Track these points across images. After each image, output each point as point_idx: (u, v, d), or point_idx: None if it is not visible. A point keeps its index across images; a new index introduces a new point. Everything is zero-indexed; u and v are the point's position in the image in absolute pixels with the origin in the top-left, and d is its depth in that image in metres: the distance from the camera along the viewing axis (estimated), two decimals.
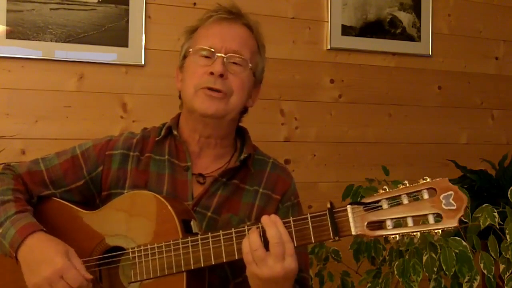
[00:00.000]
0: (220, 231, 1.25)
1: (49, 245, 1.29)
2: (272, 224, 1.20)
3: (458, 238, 1.71)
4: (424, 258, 1.73)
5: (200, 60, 1.41)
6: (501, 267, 1.75)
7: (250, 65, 1.42)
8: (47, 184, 1.45)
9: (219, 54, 1.39)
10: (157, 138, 1.47)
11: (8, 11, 2.23)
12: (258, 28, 1.48)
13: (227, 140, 1.48)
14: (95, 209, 1.42)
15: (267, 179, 1.47)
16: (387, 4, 2.82)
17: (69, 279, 1.26)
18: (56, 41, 2.30)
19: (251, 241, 1.19)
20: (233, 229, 1.24)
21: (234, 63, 1.40)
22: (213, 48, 1.39)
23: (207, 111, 1.38)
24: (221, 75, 1.37)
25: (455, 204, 1.10)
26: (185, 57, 1.46)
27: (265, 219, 1.21)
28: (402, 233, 1.12)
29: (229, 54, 1.39)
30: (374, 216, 1.14)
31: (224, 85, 1.38)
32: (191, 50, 1.43)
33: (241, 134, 1.52)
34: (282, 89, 2.63)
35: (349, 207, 1.17)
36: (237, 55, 1.40)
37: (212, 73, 1.37)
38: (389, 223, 1.13)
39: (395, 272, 1.75)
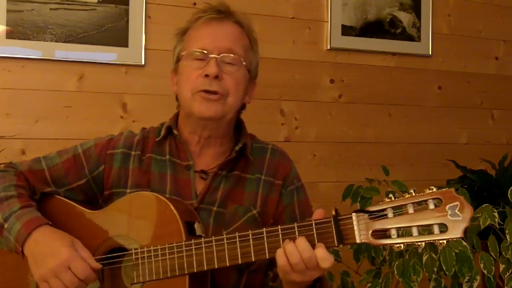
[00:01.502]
0: (224, 234, 1.25)
1: (54, 237, 1.29)
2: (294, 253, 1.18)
3: None
4: (424, 258, 1.73)
5: (193, 63, 1.40)
6: (501, 267, 1.75)
7: (244, 62, 1.42)
8: (48, 182, 1.46)
9: (212, 55, 1.38)
10: (157, 139, 1.47)
11: (8, 11, 2.23)
12: (249, 24, 1.48)
13: (227, 138, 1.48)
14: (98, 208, 1.42)
15: (268, 166, 1.48)
16: (387, 4, 2.82)
17: (75, 270, 1.26)
18: (56, 41, 2.29)
19: (288, 253, 1.17)
20: (237, 233, 1.24)
21: (228, 63, 1.40)
22: (206, 50, 1.39)
23: (205, 114, 1.38)
24: (216, 77, 1.37)
25: (460, 215, 1.10)
26: (178, 60, 1.46)
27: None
28: (406, 242, 1.12)
29: (222, 54, 1.39)
30: (379, 225, 1.14)
31: (220, 86, 1.38)
32: (183, 53, 1.43)
33: (238, 126, 1.52)
34: (282, 89, 2.62)
35: (354, 215, 1.16)
36: (230, 54, 1.40)
37: (207, 75, 1.37)
38: (393, 232, 1.13)
39: (395, 272, 1.75)
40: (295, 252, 1.16)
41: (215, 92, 1.38)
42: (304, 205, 1.49)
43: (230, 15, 1.45)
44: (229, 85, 1.39)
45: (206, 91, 1.37)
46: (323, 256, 1.16)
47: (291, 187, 1.48)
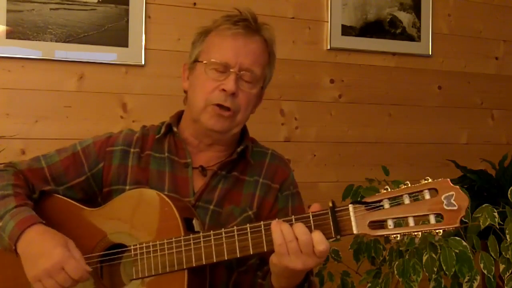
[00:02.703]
0: (222, 229, 1.26)
1: (47, 237, 1.29)
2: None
3: (458, 238, 1.71)
4: (424, 258, 1.73)
5: (211, 73, 1.41)
6: (501, 267, 1.75)
7: (260, 82, 1.45)
8: (48, 180, 1.46)
9: (232, 70, 1.39)
10: (157, 136, 1.49)
11: (8, 11, 2.23)
12: (272, 37, 1.48)
13: (229, 144, 1.49)
14: (97, 206, 1.43)
15: (267, 169, 1.50)
16: (387, 4, 2.82)
17: (69, 270, 1.26)
18: (56, 41, 2.30)
19: (285, 233, 1.18)
20: (235, 227, 1.25)
21: (245, 80, 1.41)
22: (227, 64, 1.40)
23: (213, 128, 1.41)
24: (233, 94, 1.39)
25: (456, 205, 1.11)
26: (195, 60, 1.46)
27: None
28: (403, 232, 1.13)
29: (242, 72, 1.40)
30: (376, 216, 1.15)
31: (234, 103, 1.40)
32: (204, 61, 1.42)
33: (241, 130, 1.53)
34: (282, 89, 2.63)
35: (351, 206, 1.17)
36: (250, 73, 1.41)
37: (224, 90, 1.38)
38: (390, 223, 1.14)
39: (395, 272, 1.75)
40: (290, 232, 1.17)
41: (228, 108, 1.39)
42: (298, 211, 1.49)
43: (257, 30, 1.44)
44: (241, 103, 1.41)
45: (220, 106, 1.39)
46: (318, 238, 1.16)
47: (286, 192, 1.50)
